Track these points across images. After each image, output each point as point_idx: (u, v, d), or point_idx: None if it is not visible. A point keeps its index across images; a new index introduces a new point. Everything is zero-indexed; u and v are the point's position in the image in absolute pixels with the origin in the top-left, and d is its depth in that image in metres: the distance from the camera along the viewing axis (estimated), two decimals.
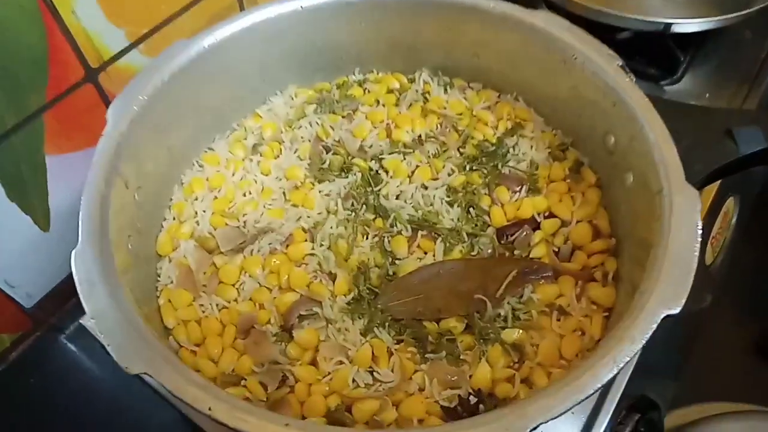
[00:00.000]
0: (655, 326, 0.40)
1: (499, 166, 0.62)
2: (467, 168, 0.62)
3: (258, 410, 0.37)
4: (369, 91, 0.70)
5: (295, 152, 0.65)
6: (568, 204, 0.59)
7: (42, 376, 0.67)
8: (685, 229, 0.44)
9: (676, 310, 0.40)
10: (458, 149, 0.64)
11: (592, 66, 0.56)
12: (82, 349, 0.69)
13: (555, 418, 0.36)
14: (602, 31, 0.75)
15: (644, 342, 0.39)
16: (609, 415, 0.57)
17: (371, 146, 0.64)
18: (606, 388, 0.57)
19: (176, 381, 0.37)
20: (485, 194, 0.60)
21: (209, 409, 0.36)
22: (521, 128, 0.65)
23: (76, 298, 0.69)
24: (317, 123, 0.66)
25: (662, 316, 0.40)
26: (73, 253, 0.44)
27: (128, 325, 0.40)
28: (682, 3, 0.85)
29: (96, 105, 0.62)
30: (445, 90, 0.69)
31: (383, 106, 0.68)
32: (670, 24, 0.77)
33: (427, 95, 0.69)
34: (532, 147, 0.64)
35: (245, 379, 0.50)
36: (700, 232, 0.44)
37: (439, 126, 0.66)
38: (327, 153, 0.64)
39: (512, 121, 0.66)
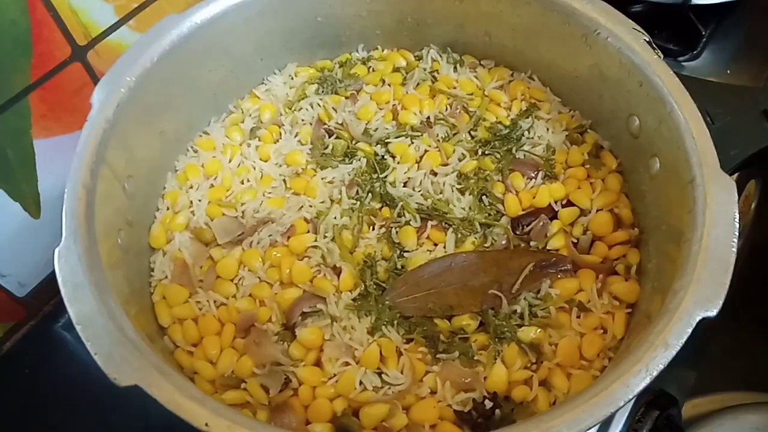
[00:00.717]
0: (690, 330, 0.37)
1: (513, 151, 0.60)
2: (479, 153, 0.60)
3: (259, 425, 0.35)
4: (373, 70, 0.67)
5: (295, 136, 0.62)
6: (588, 191, 0.57)
7: (37, 366, 0.67)
8: (721, 223, 0.41)
9: (714, 312, 0.38)
10: (469, 132, 0.62)
11: (617, 42, 0.53)
12: (78, 339, 0.67)
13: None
14: (614, 4, 0.73)
15: (680, 347, 0.36)
16: (627, 412, 0.56)
17: (376, 129, 0.62)
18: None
19: (170, 393, 0.35)
20: (498, 181, 0.58)
21: (206, 425, 0.34)
22: (536, 109, 0.63)
23: None
24: (319, 104, 0.64)
25: (698, 318, 0.38)
26: (56, 252, 0.41)
27: (117, 331, 0.38)
28: None
29: (85, 85, 0.60)
30: (455, 68, 0.66)
31: (389, 85, 0.65)
32: None
33: (435, 74, 0.66)
34: (548, 129, 0.61)
35: (245, 382, 0.48)
36: (737, 225, 0.41)
37: (448, 107, 0.63)
38: (329, 137, 0.62)
39: (527, 101, 0.63)
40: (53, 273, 0.65)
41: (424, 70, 0.66)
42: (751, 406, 0.73)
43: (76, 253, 0.41)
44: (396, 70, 0.67)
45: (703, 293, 0.38)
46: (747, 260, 0.82)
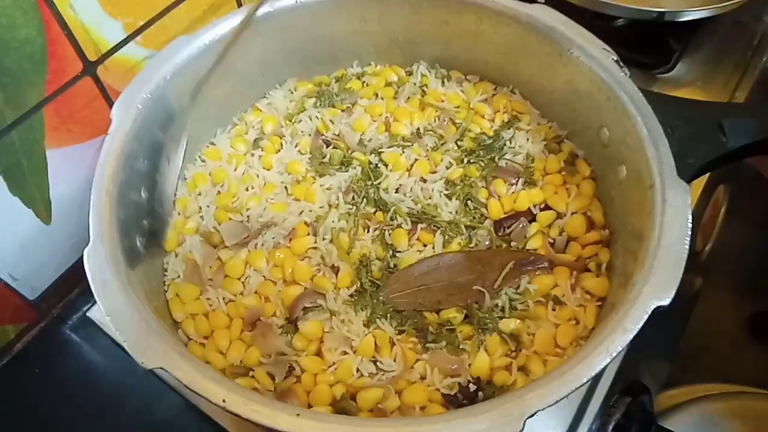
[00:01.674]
0: (646, 317, 0.41)
1: (496, 159, 0.63)
2: (465, 161, 0.63)
3: (270, 401, 0.38)
4: (367, 84, 0.70)
5: (295, 146, 0.65)
6: (564, 196, 0.60)
7: (47, 367, 0.68)
8: (676, 223, 0.45)
9: (667, 302, 0.42)
10: (456, 142, 0.65)
11: (588, 60, 0.57)
12: (86, 339, 0.70)
13: (551, 405, 0.38)
14: (596, 19, 0.77)
15: (636, 332, 0.41)
16: (601, 400, 0.60)
17: (370, 140, 0.65)
18: (598, 375, 0.59)
19: (191, 374, 0.39)
20: (483, 187, 0.61)
21: (223, 401, 0.38)
22: (517, 121, 0.66)
23: (79, 290, 0.72)
24: (317, 117, 0.67)
25: (653, 307, 0.42)
26: (85, 252, 0.45)
27: (142, 321, 0.42)
28: None
29: (95, 98, 0.62)
30: (443, 83, 0.70)
31: (382, 99, 0.68)
32: (664, 13, 0.78)
33: (425, 88, 0.69)
34: (528, 140, 0.65)
35: (253, 370, 0.51)
36: (690, 226, 0.45)
37: (436, 119, 0.66)
38: (327, 147, 0.65)
39: (509, 113, 0.67)
40: (62, 277, 0.69)
41: (414, 84, 0.69)
42: (719, 395, 0.78)
43: (103, 253, 0.45)
44: (388, 84, 0.70)
45: (658, 285, 0.42)
46: (717, 260, 0.87)
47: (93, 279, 0.43)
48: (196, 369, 0.40)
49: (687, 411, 0.77)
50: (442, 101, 0.68)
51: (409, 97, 0.68)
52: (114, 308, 0.42)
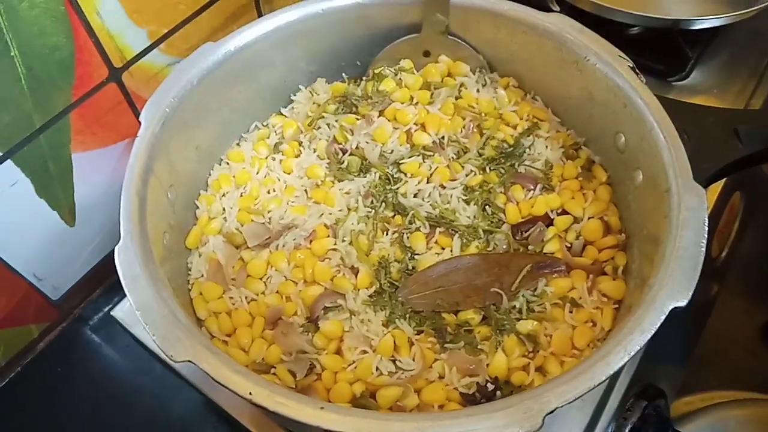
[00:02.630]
0: (663, 318, 0.42)
1: (516, 166, 0.63)
2: (486, 169, 0.63)
3: (294, 394, 0.39)
4: (404, 84, 0.68)
5: (314, 152, 0.66)
6: (580, 201, 0.61)
7: (68, 365, 0.70)
8: (692, 226, 0.46)
9: (684, 303, 0.43)
10: (478, 150, 0.65)
11: (604, 67, 0.58)
12: (106, 339, 0.72)
13: (571, 402, 0.39)
14: (613, 27, 0.77)
15: (653, 332, 0.42)
16: (617, 402, 0.60)
17: (392, 152, 0.64)
18: (614, 377, 0.59)
19: (218, 368, 0.40)
20: (501, 192, 0.61)
21: (250, 393, 0.39)
22: (537, 128, 0.66)
23: (100, 291, 0.73)
24: (335, 125, 0.66)
25: (670, 308, 0.42)
26: (116, 249, 0.46)
27: (171, 316, 0.43)
28: (690, 0, 0.86)
29: (119, 103, 0.64)
30: (478, 90, 0.69)
31: (416, 104, 0.66)
32: (679, 21, 0.79)
33: (462, 89, 0.68)
34: (546, 147, 0.65)
35: (275, 368, 0.52)
36: (706, 229, 0.46)
37: (463, 129, 0.66)
38: (344, 154, 0.65)
39: (530, 121, 0.67)
40: (84, 278, 0.71)
41: (456, 86, 0.67)
42: (736, 402, 0.78)
43: (133, 250, 0.46)
44: (425, 86, 0.68)
45: (675, 286, 0.43)
46: (733, 266, 0.87)
47: (123, 275, 0.45)
48: (222, 362, 0.41)
49: (704, 417, 0.77)
50: (473, 108, 0.67)
51: (444, 103, 0.67)
52: (143, 303, 0.43)
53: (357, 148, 0.64)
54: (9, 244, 0.61)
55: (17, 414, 0.67)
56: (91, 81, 0.60)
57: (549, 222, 0.60)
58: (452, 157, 0.64)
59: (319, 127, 0.67)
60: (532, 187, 0.62)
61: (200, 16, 0.67)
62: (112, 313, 0.67)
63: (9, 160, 0.56)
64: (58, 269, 0.68)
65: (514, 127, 0.67)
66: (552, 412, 0.38)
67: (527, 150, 0.65)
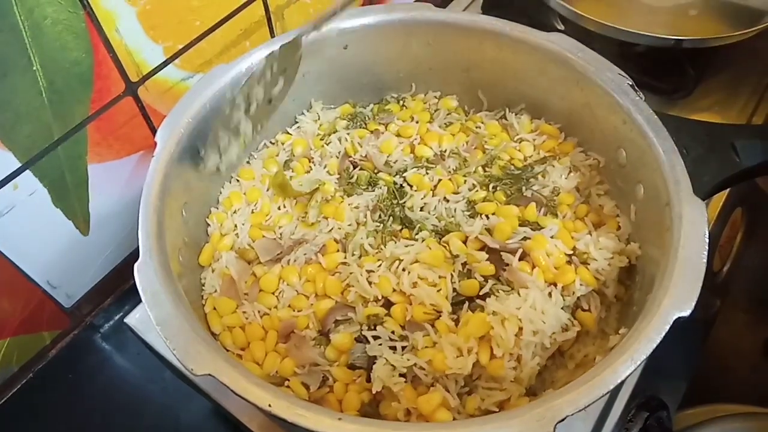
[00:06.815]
0: (668, 327, 0.43)
1: (523, 190, 0.64)
2: (491, 188, 0.64)
3: (313, 406, 0.40)
4: (406, 108, 0.73)
5: (324, 168, 0.68)
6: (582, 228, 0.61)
7: (79, 372, 0.71)
8: (693, 238, 0.47)
9: (687, 312, 0.44)
10: (482, 167, 0.66)
11: (604, 85, 0.59)
12: (116, 347, 0.74)
13: (581, 410, 0.40)
14: (616, 46, 0.79)
15: (658, 342, 0.43)
16: (619, 413, 0.61)
17: (396, 161, 0.67)
18: (617, 388, 0.60)
19: (238, 381, 0.41)
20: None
21: (269, 405, 0.40)
22: (554, 159, 0.67)
23: (112, 299, 0.75)
24: (346, 138, 0.69)
25: (674, 317, 0.44)
26: (135, 266, 0.47)
27: (190, 330, 0.44)
28: (693, 19, 0.88)
29: (134, 116, 0.65)
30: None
31: (417, 122, 0.70)
32: (681, 40, 0.80)
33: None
34: (561, 175, 0.65)
35: (288, 380, 0.53)
36: (707, 240, 0.47)
37: (465, 144, 0.68)
38: (354, 168, 0.67)
39: (553, 153, 0.67)
40: (96, 287, 0.72)
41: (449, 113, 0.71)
42: (738, 416, 0.79)
43: (152, 267, 0.47)
44: (425, 110, 0.72)
45: (678, 297, 0.44)
46: (736, 281, 0.88)
47: (144, 291, 0.46)
48: (242, 375, 0.42)
49: (706, 430, 0.77)
50: (479, 128, 0.70)
51: (446, 123, 0.70)
52: (163, 318, 0.44)
53: (366, 156, 0.67)
54: (26, 252, 0.62)
55: (28, 419, 0.68)
56: (108, 94, 0.62)
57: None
58: (452, 169, 0.66)
59: (330, 142, 0.70)
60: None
61: (214, 32, 0.69)
62: (125, 320, 0.68)
63: (28, 170, 0.58)
64: (72, 277, 0.69)
65: (530, 156, 0.68)
66: (563, 419, 0.40)
67: (540, 177, 0.65)
